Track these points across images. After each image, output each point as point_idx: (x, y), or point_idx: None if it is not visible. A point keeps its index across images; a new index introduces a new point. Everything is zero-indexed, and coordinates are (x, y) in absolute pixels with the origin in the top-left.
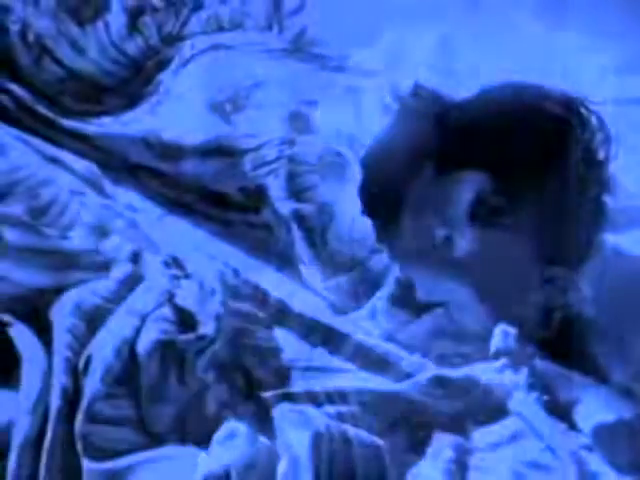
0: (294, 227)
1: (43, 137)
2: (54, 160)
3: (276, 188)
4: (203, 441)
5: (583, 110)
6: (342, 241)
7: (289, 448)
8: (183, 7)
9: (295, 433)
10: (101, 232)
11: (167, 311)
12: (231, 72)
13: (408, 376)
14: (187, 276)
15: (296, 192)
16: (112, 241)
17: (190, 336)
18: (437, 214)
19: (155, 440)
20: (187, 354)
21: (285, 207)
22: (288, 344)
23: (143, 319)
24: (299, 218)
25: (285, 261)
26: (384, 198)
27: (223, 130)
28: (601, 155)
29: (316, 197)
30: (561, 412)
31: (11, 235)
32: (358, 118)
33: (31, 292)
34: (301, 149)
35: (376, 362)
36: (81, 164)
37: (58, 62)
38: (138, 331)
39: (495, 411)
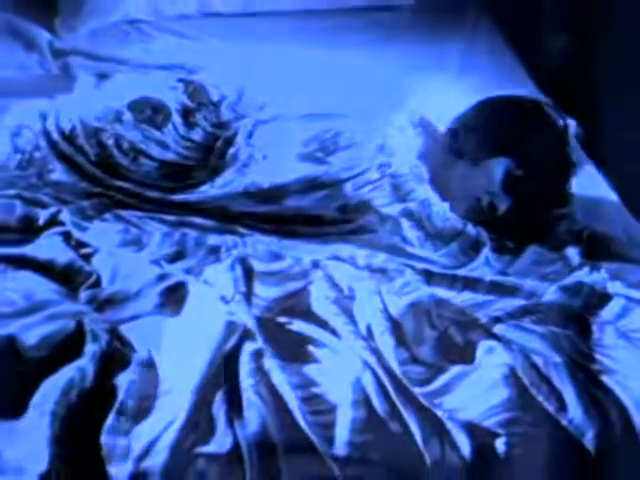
0: (403, 221)
1: (158, 213)
2: (182, 224)
3: (382, 198)
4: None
5: (549, 108)
6: (442, 221)
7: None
8: (209, 105)
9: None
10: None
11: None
12: (303, 132)
13: (532, 294)
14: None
15: (401, 196)
16: (288, 261)
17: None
18: (481, 189)
19: (437, 368)
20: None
21: (394, 209)
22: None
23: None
24: (408, 213)
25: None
26: (442, 189)
27: (320, 170)
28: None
29: (416, 196)
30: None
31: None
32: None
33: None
34: (396, 167)
35: (507, 289)
36: (203, 220)
37: (151, 158)
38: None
39: (603, 297)
